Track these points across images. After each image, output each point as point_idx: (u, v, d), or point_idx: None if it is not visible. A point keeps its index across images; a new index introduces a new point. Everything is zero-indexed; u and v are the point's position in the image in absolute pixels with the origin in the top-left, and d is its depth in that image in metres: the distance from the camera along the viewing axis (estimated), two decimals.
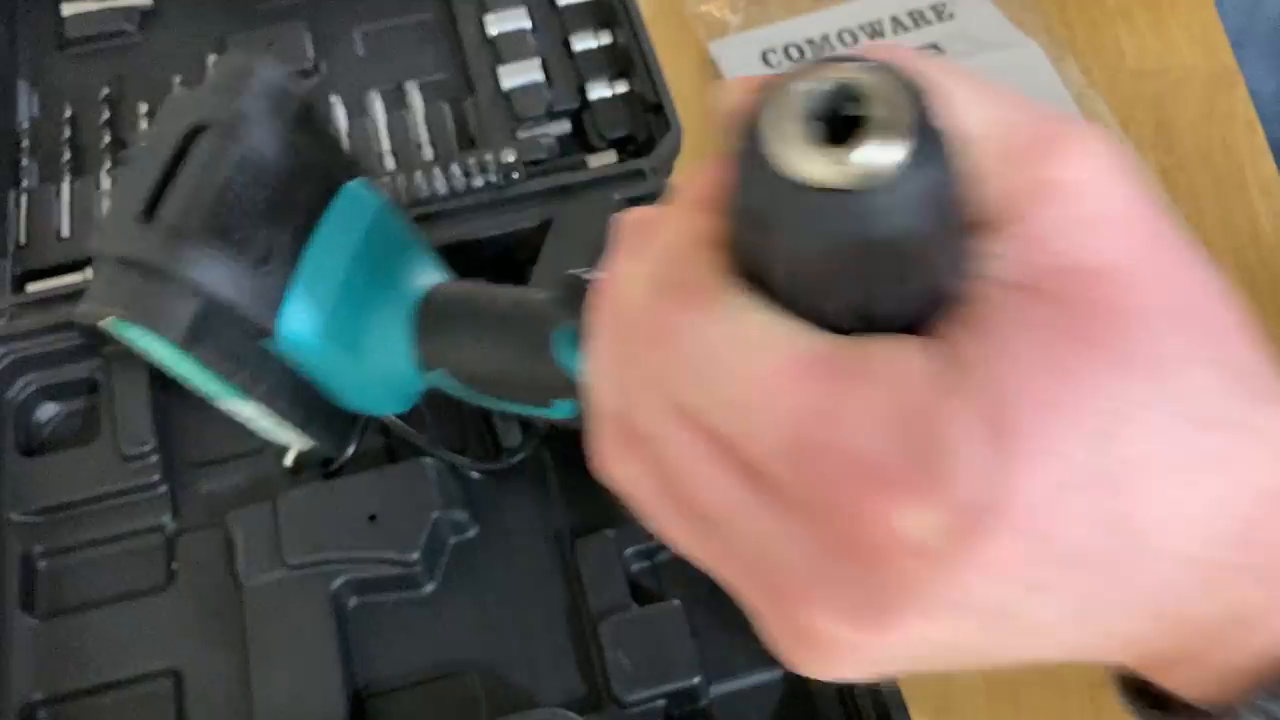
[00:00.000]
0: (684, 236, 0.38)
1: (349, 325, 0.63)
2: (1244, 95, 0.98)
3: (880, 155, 0.31)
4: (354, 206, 0.63)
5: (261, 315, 0.60)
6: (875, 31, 1.02)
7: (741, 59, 1.01)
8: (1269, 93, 0.99)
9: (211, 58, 0.96)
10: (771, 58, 1.01)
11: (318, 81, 0.95)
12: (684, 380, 0.37)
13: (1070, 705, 0.75)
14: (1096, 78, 0.98)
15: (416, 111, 0.92)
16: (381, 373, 0.66)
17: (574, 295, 0.58)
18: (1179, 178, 0.94)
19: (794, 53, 1.01)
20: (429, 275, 0.67)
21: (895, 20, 1.02)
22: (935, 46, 1.01)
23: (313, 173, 0.62)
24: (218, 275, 0.57)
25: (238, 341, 0.61)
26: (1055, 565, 0.34)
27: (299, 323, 0.60)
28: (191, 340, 0.58)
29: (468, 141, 0.90)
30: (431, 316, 0.65)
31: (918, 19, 1.02)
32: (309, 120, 0.63)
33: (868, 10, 1.03)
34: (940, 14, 1.03)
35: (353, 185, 0.64)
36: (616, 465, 0.42)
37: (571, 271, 0.59)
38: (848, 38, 1.02)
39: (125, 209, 0.57)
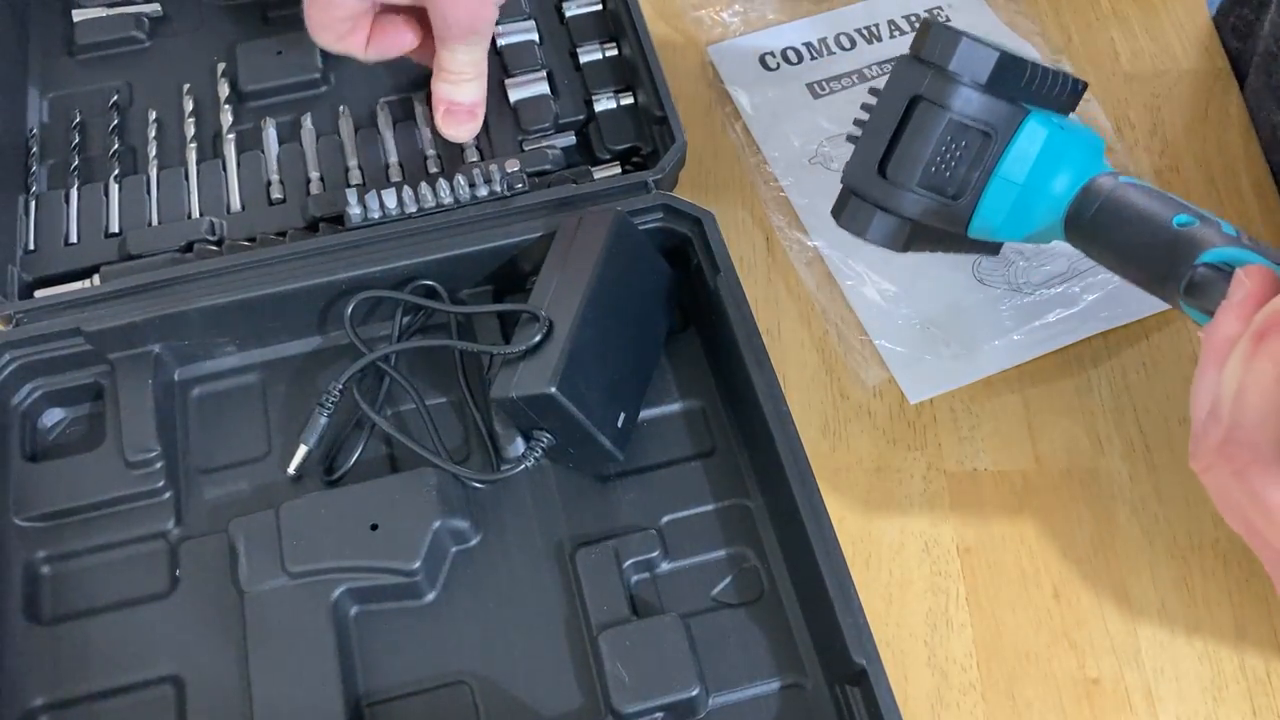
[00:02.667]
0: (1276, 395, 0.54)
1: (1018, 224, 0.73)
2: (1237, 96, 0.93)
3: None
4: (1029, 137, 0.71)
5: (956, 227, 0.73)
6: (873, 35, 0.97)
7: (740, 62, 0.96)
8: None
9: (220, 67, 0.91)
10: (770, 61, 0.96)
11: (326, 90, 0.91)
12: (1244, 499, 0.55)
13: (1066, 702, 0.71)
14: (1091, 80, 0.92)
15: (423, 122, 0.88)
16: (1039, 239, 0.75)
17: (1208, 283, 0.64)
18: (1174, 179, 0.89)
19: (792, 56, 0.96)
20: (1083, 173, 0.72)
21: (892, 24, 0.97)
22: None
23: (1001, 111, 0.71)
24: (925, 211, 0.72)
25: (938, 238, 0.75)
26: None
27: (981, 230, 0.73)
28: (904, 248, 0.73)
29: (474, 152, 0.86)
30: (1079, 221, 0.71)
31: (914, 23, 0.97)
32: (1004, 70, 0.71)
33: (865, 14, 0.98)
34: (936, 17, 0.97)
35: (1032, 119, 0.71)
36: (1197, 460, 0.58)
37: (1208, 262, 0.65)
38: (845, 41, 0.97)
39: (868, 160, 0.72)
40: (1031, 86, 0.72)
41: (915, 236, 0.74)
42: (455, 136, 0.83)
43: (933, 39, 0.70)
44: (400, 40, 0.81)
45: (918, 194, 0.71)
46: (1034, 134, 0.71)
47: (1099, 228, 0.70)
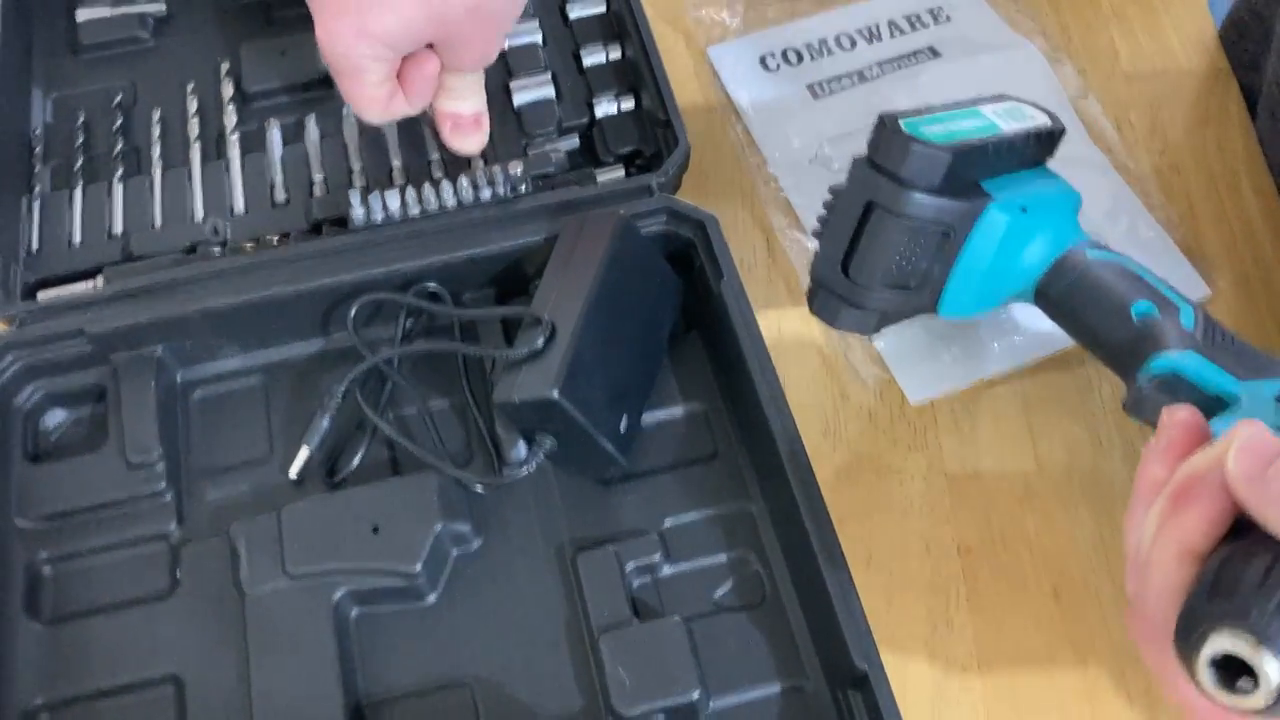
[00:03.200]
0: (1174, 575, 0.52)
1: (988, 300, 0.75)
2: (1237, 96, 0.92)
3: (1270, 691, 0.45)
4: (989, 228, 0.71)
5: (925, 310, 0.75)
6: (873, 35, 0.95)
7: (740, 63, 0.95)
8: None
9: (224, 67, 0.89)
10: (770, 61, 0.95)
11: (330, 92, 0.88)
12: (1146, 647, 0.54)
13: (1066, 702, 0.70)
14: (1091, 79, 0.93)
15: (427, 124, 0.86)
16: (1012, 302, 0.77)
17: (1148, 404, 0.67)
18: (1173, 179, 0.88)
19: (792, 57, 0.94)
20: (1056, 245, 0.73)
21: (892, 24, 0.96)
22: (932, 49, 0.94)
23: (958, 209, 0.70)
24: (890, 304, 0.73)
25: (912, 314, 0.76)
26: None
27: (950, 310, 0.74)
28: (875, 331, 0.76)
29: (478, 156, 0.85)
30: (1049, 294, 0.73)
31: (914, 22, 0.96)
32: (960, 165, 0.69)
33: (865, 14, 0.97)
34: (937, 17, 0.96)
35: (991, 210, 0.71)
36: (1127, 582, 0.56)
37: (1155, 372, 0.67)
38: (845, 41, 0.95)
39: (831, 258, 0.72)
40: (997, 162, 0.72)
41: (886, 319, 0.75)
42: (464, 149, 0.82)
43: (885, 145, 0.69)
44: (429, 77, 0.78)
45: (881, 291, 0.72)
46: (994, 223, 0.71)
47: (1065, 306, 0.72)
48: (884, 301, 0.73)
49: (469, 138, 0.81)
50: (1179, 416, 0.57)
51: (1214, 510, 0.51)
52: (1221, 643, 0.46)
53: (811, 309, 0.75)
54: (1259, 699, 0.45)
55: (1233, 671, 0.46)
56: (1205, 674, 0.47)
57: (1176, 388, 0.66)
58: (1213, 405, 0.65)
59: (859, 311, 0.73)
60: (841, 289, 0.73)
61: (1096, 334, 0.71)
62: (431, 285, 0.77)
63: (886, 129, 0.69)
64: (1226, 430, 0.53)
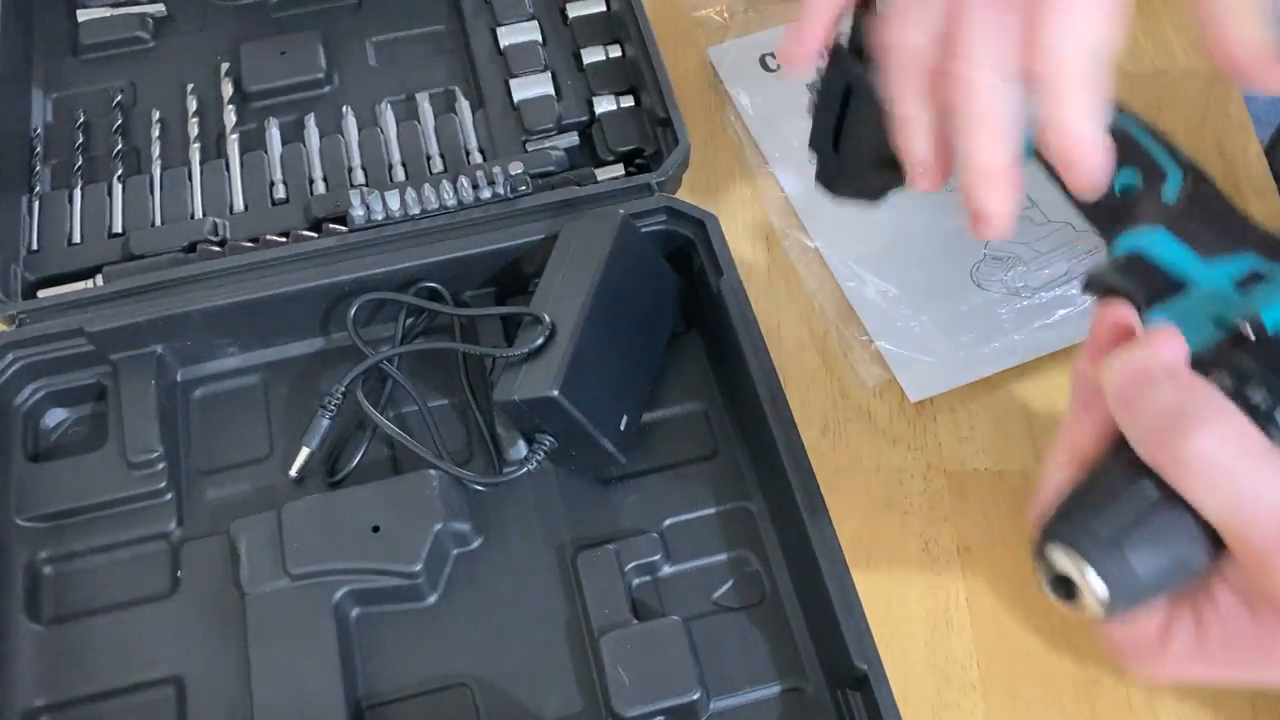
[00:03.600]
0: (1062, 474, 0.54)
1: None
2: (1238, 97, 0.92)
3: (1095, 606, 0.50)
4: None
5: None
6: None
7: (740, 63, 0.94)
8: (1262, 95, 0.91)
9: (224, 67, 0.89)
10: (770, 61, 0.94)
11: (329, 91, 0.89)
12: None
13: (1066, 702, 0.70)
14: None
15: (427, 122, 0.86)
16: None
17: (1114, 278, 0.62)
18: None
19: None
20: None
21: None
22: None
23: None
24: (884, 181, 0.70)
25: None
26: None
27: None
28: (877, 200, 0.72)
29: (477, 153, 0.85)
30: (1044, 160, 0.67)
31: None
32: None
33: None
34: None
35: None
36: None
37: (1108, 269, 0.63)
38: (845, 41, 0.94)
39: (823, 137, 0.70)
40: None
41: (886, 189, 0.73)
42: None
43: (857, 27, 0.68)
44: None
45: (872, 168, 0.71)
46: None
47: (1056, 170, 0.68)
48: (878, 178, 0.71)
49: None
50: (1107, 316, 0.57)
51: (1105, 420, 0.53)
52: (1056, 558, 0.51)
53: (817, 180, 0.74)
54: (1089, 609, 0.50)
55: (1073, 583, 0.51)
56: (1045, 582, 0.52)
57: (1135, 269, 0.62)
58: (1172, 287, 0.61)
59: (856, 184, 0.73)
60: (834, 167, 0.72)
61: (1081, 202, 0.69)
62: (431, 284, 0.77)
63: (858, 8, 0.67)
64: (1154, 325, 0.55)
